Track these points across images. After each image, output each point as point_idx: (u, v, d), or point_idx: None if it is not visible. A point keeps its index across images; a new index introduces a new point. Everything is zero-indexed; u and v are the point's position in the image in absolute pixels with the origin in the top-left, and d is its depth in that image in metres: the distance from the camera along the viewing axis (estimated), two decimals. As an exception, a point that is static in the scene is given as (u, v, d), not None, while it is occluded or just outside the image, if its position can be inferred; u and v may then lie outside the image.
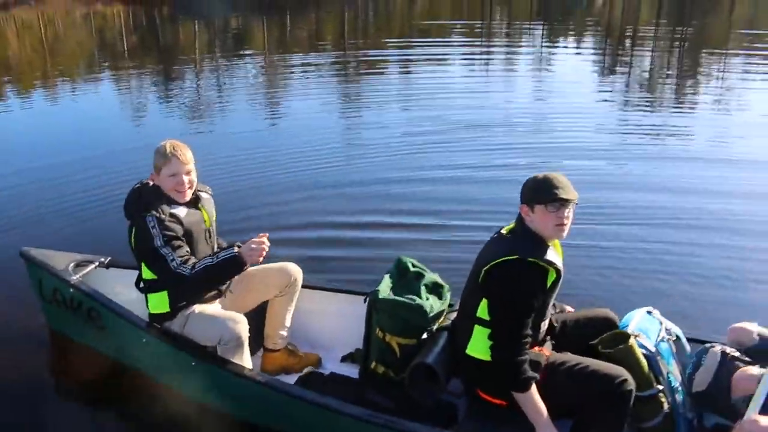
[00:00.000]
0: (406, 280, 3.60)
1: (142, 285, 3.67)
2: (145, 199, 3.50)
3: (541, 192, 2.95)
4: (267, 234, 3.48)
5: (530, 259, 2.94)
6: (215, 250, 3.74)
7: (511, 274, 2.95)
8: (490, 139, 9.38)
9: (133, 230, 3.50)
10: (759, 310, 3.88)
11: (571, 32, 23.83)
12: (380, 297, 3.41)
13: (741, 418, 2.81)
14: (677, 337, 3.44)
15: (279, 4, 34.73)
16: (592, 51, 19.40)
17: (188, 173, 3.55)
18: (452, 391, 3.41)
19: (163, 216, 3.43)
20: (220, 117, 11.72)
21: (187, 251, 3.48)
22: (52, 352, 4.43)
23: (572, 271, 4.75)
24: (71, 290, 4.00)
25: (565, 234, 3.01)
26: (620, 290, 5.09)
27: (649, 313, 3.45)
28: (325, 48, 20.29)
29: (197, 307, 3.63)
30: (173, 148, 3.51)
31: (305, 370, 3.96)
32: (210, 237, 3.74)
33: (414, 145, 9.13)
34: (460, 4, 35.16)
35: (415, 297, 3.42)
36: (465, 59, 17.69)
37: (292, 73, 16.09)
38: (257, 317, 3.97)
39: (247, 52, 19.81)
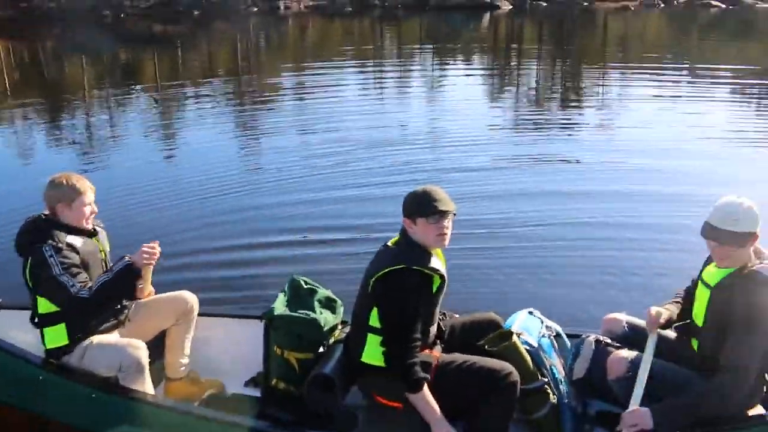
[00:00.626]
0: (299, 297, 3.72)
1: (37, 320, 3.59)
2: (41, 231, 3.47)
3: (421, 205, 3.13)
4: (158, 241, 3.54)
5: (414, 267, 3.11)
6: None
7: (398, 282, 3.11)
8: (384, 158, 9.75)
9: (29, 262, 3.45)
10: (626, 303, 4.28)
11: (459, 53, 24.58)
12: (275, 314, 3.51)
13: (619, 401, 3.14)
14: (557, 333, 3.73)
15: (168, 36, 34.25)
16: (481, 70, 20.11)
17: (94, 203, 3.61)
18: (350, 401, 3.50)
19: (60, 245, 3.41)
20: (112, 150, 11.55)
21: (86, 278, 3.45)
22: None
23: (459, 279, 5.29)
24: None
25: (446, 243, 3.20)
26: (503, 295, 5.52)
27: (530, 313, 3.73)
28: (219, 78, 20.17)
29: (95, 338, 3.60)
30: (80, 182, 3.53)
31: (206, 394, 3.96)
32: (105, 266, 3.71)
33: (307, 168, 9.41)
34: (350, 31, 35.62)
35: (309, 312, 3.55)
36: (358, 83, 18.07)
37: (187, 103, 15.97)
38: (157, 348, 3.95)
39: (138, 85, 19.44)
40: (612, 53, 23.58)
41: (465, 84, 17.37)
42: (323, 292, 3.78)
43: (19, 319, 3.72)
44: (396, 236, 3.32)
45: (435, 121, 12.89)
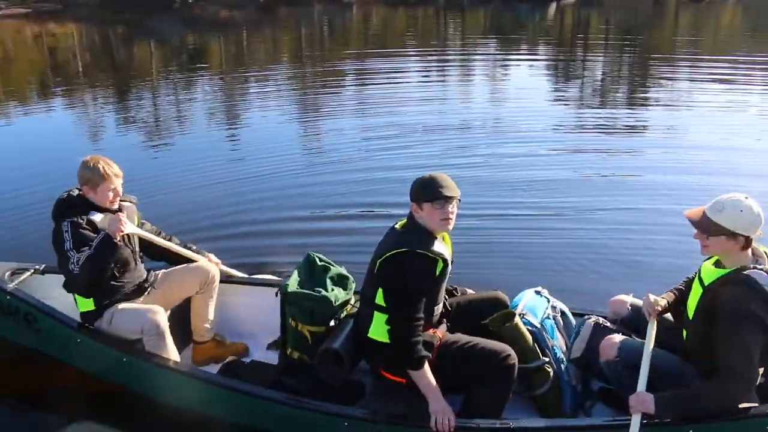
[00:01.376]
0: (313, 273, 3.94)
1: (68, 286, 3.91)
2: (68, 206, 3.79)
3: (428, 191, 3.28)
4: (123, 213, 3.84)
5: (418, 250, 3.26)
6: (137, 251, 4.07)
7: (402, 264, 3.26)
8: (438, 143, 9.91)
9: (53, 232, 3.77)
10: (636, 284, 4.26)
11: (523, 43, 24.22)
12: (289, 290, 3.74)
13: (613, 383, 3.39)
14: (563, 312, 3.88)
15: (234, 22, 34.72)
16: (545, 61, 19.77)
17: (119, 185, 3.89)
18: (359, 374, 3.73)
19: (80, 221, 3.73)
20: (176, 129, 12.00)
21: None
22: None
23: (473, 258, 5.54)
24: (8, 297, 4.18)
25: (450, 227, 3.34)
26: (514, 273, 5.62)
27: (537, 293, 3.89)
28: (282, 63, 20.35)
29: (121, 304, 3.91)
30: (109, 166, 3.83)
31: (228, 359, 4.26)
32: (130, 241, 4.01)
33: (363, 150, 9.66)
34: (414, 20, 35.50)
35: (321, 289, 3.75)
36: (419, 71, 18.03)
37: (249, 87, 16.26)
38: (184, 314, 4.28)
39: (203, 68, 19.78)
40: (683, 46, 22.87)
41: (527, 75, 17.14)
42: (336, 269, 3.98)
43: (60, 281, 4.00)
44: (403, 220, 3.46)
45: (493, 110, 12.83)
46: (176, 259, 4.31)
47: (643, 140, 10.29)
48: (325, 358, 3.53)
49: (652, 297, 3.48)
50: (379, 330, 3.38)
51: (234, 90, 15.87)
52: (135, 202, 4.17)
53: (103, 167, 3.79)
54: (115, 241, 3.70)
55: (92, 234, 3.75)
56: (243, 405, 3.63)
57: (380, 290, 3.34)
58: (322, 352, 3.54)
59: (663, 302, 3.47)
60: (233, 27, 32.52)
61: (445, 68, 18.83)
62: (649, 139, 10.39)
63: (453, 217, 3.31)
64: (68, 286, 3.89)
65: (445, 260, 3.35)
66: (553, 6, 39.44)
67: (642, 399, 3.04)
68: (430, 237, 3.33)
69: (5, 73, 20.62)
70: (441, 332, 3.50)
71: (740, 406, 3.01)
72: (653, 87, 15.03)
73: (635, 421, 3.00)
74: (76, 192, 3.89)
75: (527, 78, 16.67)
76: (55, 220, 3.78)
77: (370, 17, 36.92)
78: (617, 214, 6.92)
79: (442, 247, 3.36)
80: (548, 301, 3.87)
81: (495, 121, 11.67)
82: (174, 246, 4.28)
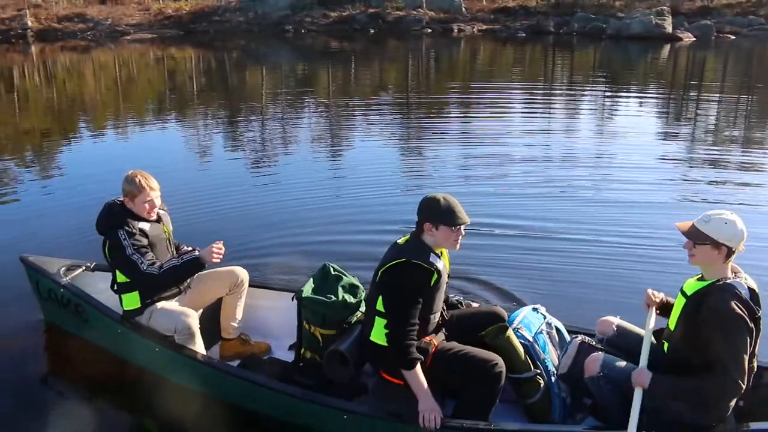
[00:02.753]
0: (327, 281, 4.30)
1: (116, 288, 4.41)
2: (117, 216, 4.26)
3: (448, 216, 3.63)
4: (223, 241, 4.23)
5: (414, 261, 3.60)
6: (174, 254, 4.50)
7: (399, 274, 3.61)
8: (536, 174, 10.04)
9: (107, 243, 4.25)
10: (625, 307, 4.51)
11: (633, 83, 23.60)
12: (303, 296, 4.14)
13: (597, 397, 3.64)
14: (557, 329, 4.16)
15: (343, 51, 35.54)
16: (655, 102, 19.15)
17: (157, 198, 4.34)
18: (365, 375, 4.07)
19: (133, 230, 4.20)
20: (281, 151, 12.46)
21: (152, 256, 4.21)
22: (47, 340, 5.18)
23: (482, 276, 5.99)
24: (62, 290, 4.79)
25: (458, 247, 3.73)
26: (518, 291, 5.81)
27: (534, 309, 4.19)
28: (387, 92, 20.63)
29: (159, 304, 4.37)
30: (146, 180, 4.29)
31: (249, 354, 4.66)
32: (169, 245, 4.51)
33: (462, 178, 9.89)
34: (522, 56, 35.33)
35: (332, 295, 4.14)
36: (523, 105, 17.87)
37: (354, 113, 16.63)
38: (215, 313, 4.73)
39: (310, 94, 20.31)
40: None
41: (635, 114, 16.69)
42: (348, 279, 4.35)
43: (107, 278, 4.56)
44: (406, 236, 3.82)
45: (595, 146, 12.70)
46: None
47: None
48: (332, 359, 3.88)
49: (650, 291, 3.90)
50: (379, 334, 3.66)
51: (338, 116, 16.23)
52: (167, 210, 4.65)
53: (140, 180, 4.25)
54: (202, 264, 4.19)
55: (145, 239, 4.24)
56: (256, 395, 4.02)
57: (381, 297, 3.64)
58: (329, 353, 3.89)
59: (661, 296, 3.88)
60: (342, 56, 33.28)
61: (549, 103, 18.60)
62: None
63: (461, 239, 3.72)
64: (121, 288, 4.36)
65: (439, 272, 3.67)
66: (667, 47, 38.39)
67: (641, 374, 3.42)
68: (429, 251, 3.66)
69: (127, 91, 21.83)
70: (437, 340, 3.81)
71: (730, 404, 3.34)
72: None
73: (637, 394, 3.38)
74: (118, 202, 4.36)
75: (633, 116, 16.36)
76: (109, 229, 4.24)
77: (478, 52, 36.99)
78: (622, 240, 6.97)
79: (438, 261, 3.69)
80: (544, 318, 4.15)
81: (596, 156, 11.60)
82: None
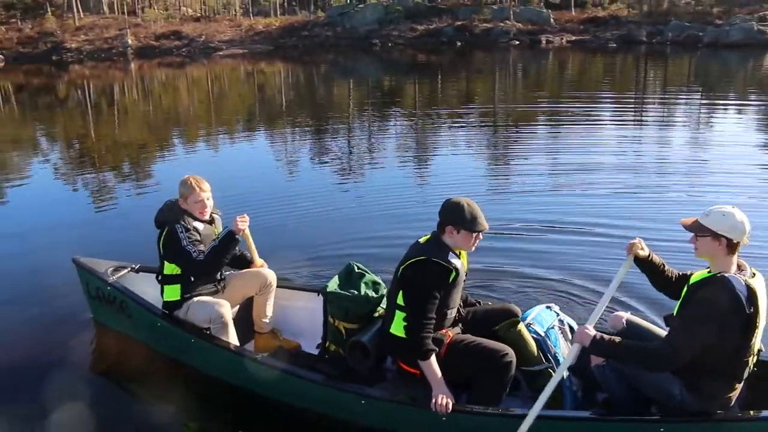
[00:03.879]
0: (351, 278, 4.51)
1: (160, 278, 4.76)
2: (176, 213, 4.63)
3: (470, 222, 3.82)
4: (246, 213, 4.64)
5: (434, 259, 3.78)
6: None
7: (419, 270, 3.81)
8: (622, 183, 9.75)
9: (164, 235, 4.60)
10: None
11: (731, 93, 22.58)
12: (328, 291, 4.38)
13: (603, 385, 3.77)
14: (570, 327, 4.27)
15: (430, 65, 35.57)
16: (755, 112, 18.23)
17: (208, 199, 4.68)
18: (386, 366, 4.29)
19: (189, 226, 4.57)
20: (366, 162, 12.53)
21: (203, 249, 4.53)
22: (94, 336, 5.49)
23: (503, 278, 6.14)
24: (109, 288, 5.15)
25: (473, 249, 3.94)
26: (534, 292, 5.91)
27: (548, 308, 4.35)
28: (473, 104, 20.46)
29: (196, 298, 4.70)
30: (197, 182, 4.65)
31: (277, 347, 4.88)
32: None
33: (547, 186, 9.69)
34: (612, 67, 34.47)
35: (354, 291, 4.35)
36: (612, 116, 17.29)
37: (440, 124, 16.56)
38: (249, 310, 5.04)
39: (397, 105, 20.38)
40: None
41: (734, 123, 15.91)
42: (371, 276, 4.55)
43: (153, 281, 4.93)
44: (428, 235, 4.00)
45: (690, 155, 12.20)
46: (240, 264, 5.06)
47: None
48: (354, 349, 4.10)
49: (638, 239, 3.93)
50: (398, 326, 3.84)
51: (424, 127, 16.19)
52: (220, 215, 4.96)
53: (191, 182, 4.63)
54: (237, 237, 4.51)
55: (197, 235, 4.59)
56: (281, 383, 4.25)
57: (401, 292, 3.83)
58: (351, 343, 4.11)
59: (646, 252, 3.88)
60: (429, 69, 33.32)
61: (640, 113, 18.00)
62: None
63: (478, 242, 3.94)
64: (166, 279, 4.71)
65: (457, 270, 3.86)
66: (769, 55, 36.67)
67: (583, 331, 3.57)
68: (448, 250, 3.86)
69: (218, 105, 22.47)
70: (452, 332, 3.98)
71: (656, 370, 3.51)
72: None
73: (574, 349, 3.58)
74: (178, 201, 4.70)
75: (732, 125, 15.65)
76: (166, 224, 4.60)
77: (566, 63, 36.35)
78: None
79: (456, 260, 3.89)
80: (557, 315, 4.30)
81: (691, 165, 11.13)
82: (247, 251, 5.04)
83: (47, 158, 13.96)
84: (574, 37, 44.65)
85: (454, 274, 3.84)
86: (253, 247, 5.01)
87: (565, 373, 3.86)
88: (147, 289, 5.10)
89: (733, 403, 3.53)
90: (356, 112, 19.50)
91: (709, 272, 3.54)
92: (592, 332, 3.54)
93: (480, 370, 3.82)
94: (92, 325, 5.57)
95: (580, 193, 9.20)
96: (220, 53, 40.75)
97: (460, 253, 3.97)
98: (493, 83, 27.20)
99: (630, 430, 3.58)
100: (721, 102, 19.89)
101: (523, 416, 3.55)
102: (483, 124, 16.48)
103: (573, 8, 51.60)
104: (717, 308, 3.32)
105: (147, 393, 4.74)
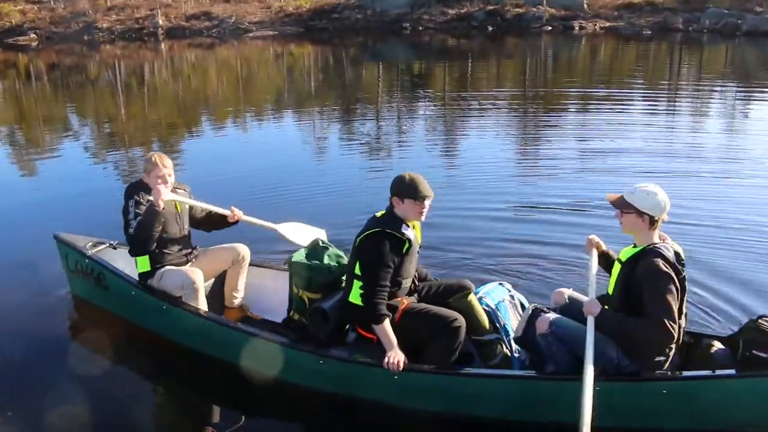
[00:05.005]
0: (315, 251, 4.71)
1: (130, 250, 5.01)
2: (134, 188, 4.90)
3: (411, 190, 4.18)
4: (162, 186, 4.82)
5: (387, 230, 4.16)
6: (185, 228, 5.12)
7: (374, 241, 4.16)
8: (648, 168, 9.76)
9: (123, 209, 4.87)
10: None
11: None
12: (292, 261, 4.61)
13: (546, 353, 4.05)
14: (521, 303, 4.56)
15: (460, 49, 35.25)
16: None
17: (170, 175, 4.89)
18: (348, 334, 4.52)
19: (141, 201, 4.79)
20: (393, 145, 12.45)
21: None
22: (72, 311, 5.78)
23: (455, 255, 6.50)
24: (87, 261, 5.36)
25: (423, 219, 4.30)
26: (487, 269, 6.21)
27: (500, 284, 4.67)
28: (503, 90, 20.26)
29: (168, 267, 4.95)
30: (161, 159, 4.90)
31: (243, 317, 5.15)
32: (180, 220, 5.07)
33: (576, 171, 9.83)
34: (645, 54, 33.86)
35: (317, 262, 4.56)
36: (646, 105, 17.00)
37: (469, 109, 16.43)
38: (220, 286, 5.32)
39: (426, 90, 20.25)
40: None
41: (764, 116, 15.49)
42: (334, 250, 4.78)
43: (127, 255, 5.19)
44: (382, 210, 4.30)
45: (726, 142, 12.20)
46: (211, 227, 5.27)
47: None
48: (315, 315, 4.31)
49: (592, 236, 4.42)
50: (356, 295, 4.12)
51: (453, 112, 16.05)
52: (188, 190, 5.18)
53: (155, 158, 4.87)
54: (156, 208, 4.65)
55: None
56: (244, 344, 4.48)
57: (358, 262, 4.11)
58: (312, 310, 4.33)
59: (603, 247, 4.38)
60: (459, 54, 33.02)
61: (674, 99, 17.70)
62: None
63: (426, 211, 4.25)
64: (131, 250, 4.97)
65: (410, 241, 4.16)
66: (811, 42, 35.74)
67: (591, 304, 3.94)
68: (401, 222, 4.15)
69: (247, 86, 22.46)
70: (407, 300, 4.24)
71: (666, 352, 3.82)
72: None
73: (590, 322, 3.86)
74: (141, 179, 4.96)
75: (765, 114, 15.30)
76: (125, 199, 4.86)
77: (598, 50, 35.79)
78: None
79: (409, 231, 4.26)
80: (509, 291, 4.67)
81: (726, 152, 11.12)
82: (208, 206, 5.14)
83: (77, 137, 14.09)
84: (608, 24, 43.86)
85: (407, 245, 4.21)
86: (260, 222, 5.25)
87: (514, 345, 4.24)
88: (124, 264, 5.36)
89: (666, 366, 3.84)
90: (385, 95, 19.41)
91: (634, 247, 3.91)
92: (598, 306, 3.91)
93: (431, 333, 4.15)
94: (70, 299, 5.81)
95: (604, 178, 9.26)
96: (250, 35, 40.67)
97: (414, 225, 4.33)
98: (523, 68, 26.88)
99: (566, 389, 3.83)
100: (758, 92, 19.42)
101: (470, 375, 3.95)
102: (513, 109, 16.35)
103: (608, -6, 50.69)
104: (665, 275, 3.68)
105: (122, 364, 5.03)
